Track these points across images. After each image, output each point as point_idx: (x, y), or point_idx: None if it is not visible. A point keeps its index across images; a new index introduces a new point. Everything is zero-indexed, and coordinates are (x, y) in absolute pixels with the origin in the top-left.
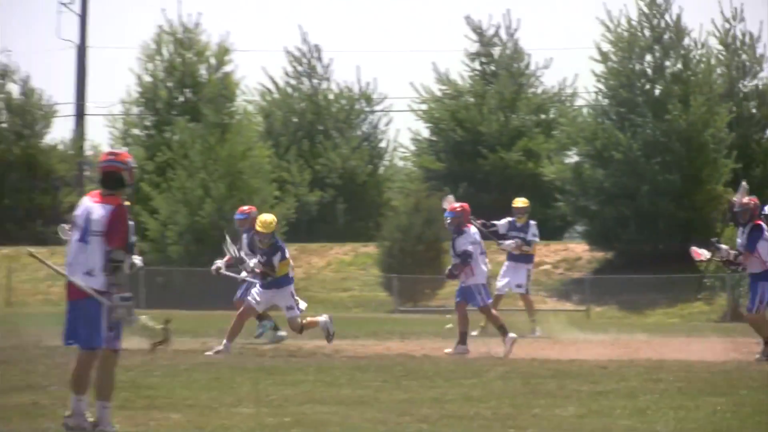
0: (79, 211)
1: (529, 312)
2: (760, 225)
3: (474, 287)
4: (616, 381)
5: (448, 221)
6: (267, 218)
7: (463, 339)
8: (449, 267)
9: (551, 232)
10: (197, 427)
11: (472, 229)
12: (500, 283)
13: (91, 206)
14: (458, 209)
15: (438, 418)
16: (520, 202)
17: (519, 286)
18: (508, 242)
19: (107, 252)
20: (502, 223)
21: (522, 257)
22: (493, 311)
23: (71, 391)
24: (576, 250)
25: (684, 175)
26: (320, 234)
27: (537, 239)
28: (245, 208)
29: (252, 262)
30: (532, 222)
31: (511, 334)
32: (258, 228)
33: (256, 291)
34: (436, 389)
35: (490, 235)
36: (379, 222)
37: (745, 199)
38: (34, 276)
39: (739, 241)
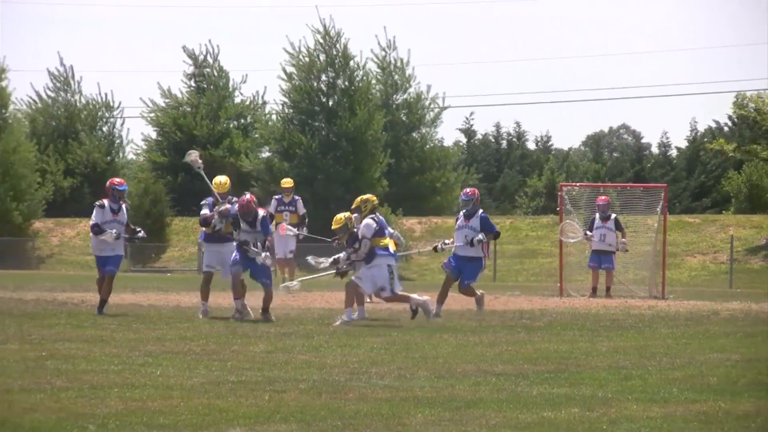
0: None
1: (293, 272)
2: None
3: None
4: (297, 324)
5: None
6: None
7: None
8: None
9: None
10: None
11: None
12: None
13: None
14: None
15: (160, 353)
16: (286, 183)
17: (291, 251)
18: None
19: None
20: (272, 202)
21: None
22: None
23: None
24: None
25: (351, 167)
26: (71, 211)
27: (305, 211)
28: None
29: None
30: (297, 197)
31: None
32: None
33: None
34: (158, 330)
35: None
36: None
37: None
38: None
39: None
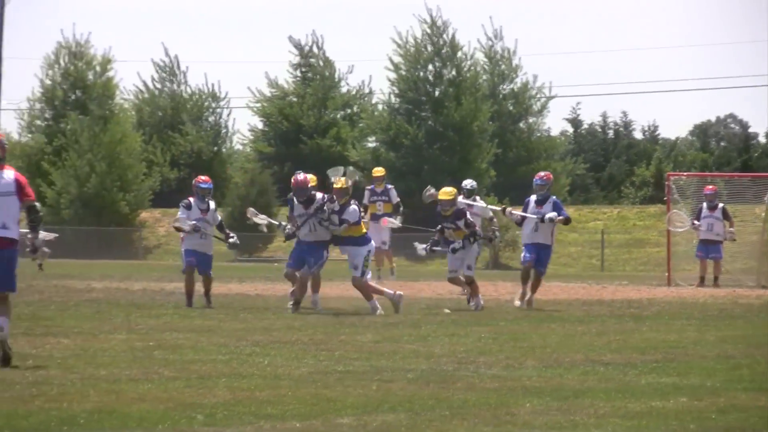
0: None
1: (391, 260)
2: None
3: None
4: (404, 314)
5: None
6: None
7: None
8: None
9: None
10: (82, 349)
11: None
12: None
13: None
14: None
15: (267, 343)
16: (377, 172)
17: (384, 242)
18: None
19: (30, 206)
20: (365, 193)
21: (380, 217)
22: None
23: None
24: None
25: (457, 157)
26: (178, 201)
27: (399, 200)
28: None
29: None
30: (390, 186)
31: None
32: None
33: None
34: (265, 320)
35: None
36: (224, 192)
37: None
38: None
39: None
